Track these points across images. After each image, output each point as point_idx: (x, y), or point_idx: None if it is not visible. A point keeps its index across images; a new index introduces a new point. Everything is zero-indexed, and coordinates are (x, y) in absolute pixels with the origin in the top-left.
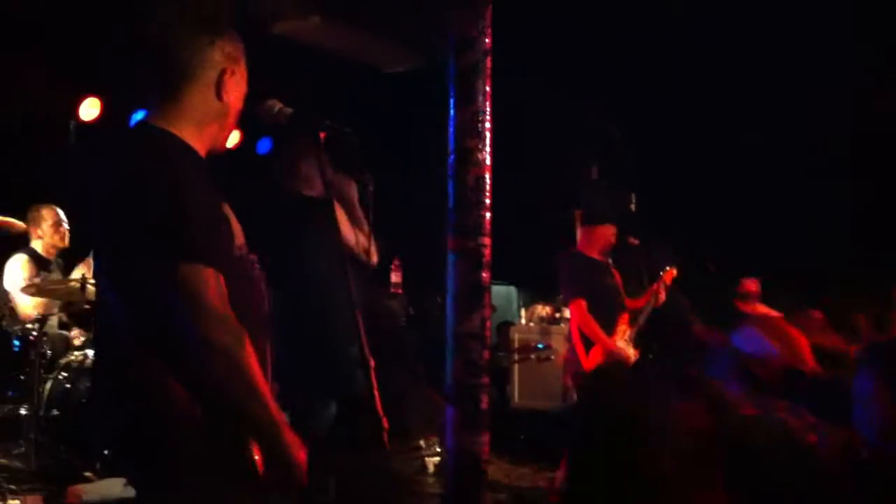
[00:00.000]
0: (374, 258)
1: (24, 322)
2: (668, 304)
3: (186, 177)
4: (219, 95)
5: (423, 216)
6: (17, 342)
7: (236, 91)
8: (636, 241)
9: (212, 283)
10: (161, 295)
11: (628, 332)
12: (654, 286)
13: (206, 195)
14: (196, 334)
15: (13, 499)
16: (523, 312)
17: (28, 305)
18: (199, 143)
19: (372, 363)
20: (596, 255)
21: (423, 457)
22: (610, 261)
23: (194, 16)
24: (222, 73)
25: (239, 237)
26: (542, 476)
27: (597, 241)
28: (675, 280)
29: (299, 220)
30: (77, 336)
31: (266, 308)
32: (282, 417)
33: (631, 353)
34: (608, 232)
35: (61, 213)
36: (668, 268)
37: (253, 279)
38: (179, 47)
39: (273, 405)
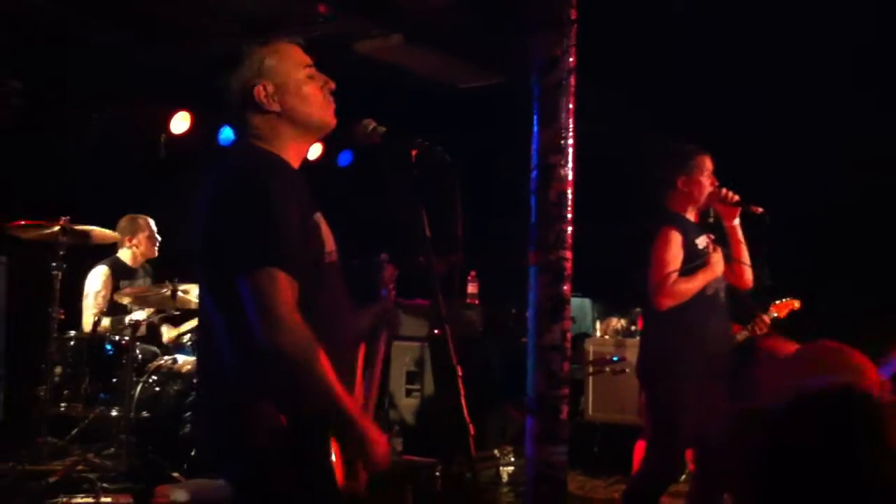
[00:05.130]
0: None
1: (86, 332)
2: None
3: (273, 187)
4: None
5: (499, 229)
6: (109, 347)
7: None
8: (759, 209)
9: (283, 288)
10: (243, 300)
11: None
12: (760, 315)
13: (292, 205)
14: (264, 339)
15: (105, 497)
16: (598, 325)
17: (88, 320)
18: (289, 155)
19: (459, 371)
20: None
21: (497, 466)
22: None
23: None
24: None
25: (329, 245)
26: (616, 488)
27: None
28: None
29: None
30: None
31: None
32: (359, 414)
33: None
34: None
35: (154, 224)
36: (785, 299)
37: (343, 287)
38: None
39: (350, 404)
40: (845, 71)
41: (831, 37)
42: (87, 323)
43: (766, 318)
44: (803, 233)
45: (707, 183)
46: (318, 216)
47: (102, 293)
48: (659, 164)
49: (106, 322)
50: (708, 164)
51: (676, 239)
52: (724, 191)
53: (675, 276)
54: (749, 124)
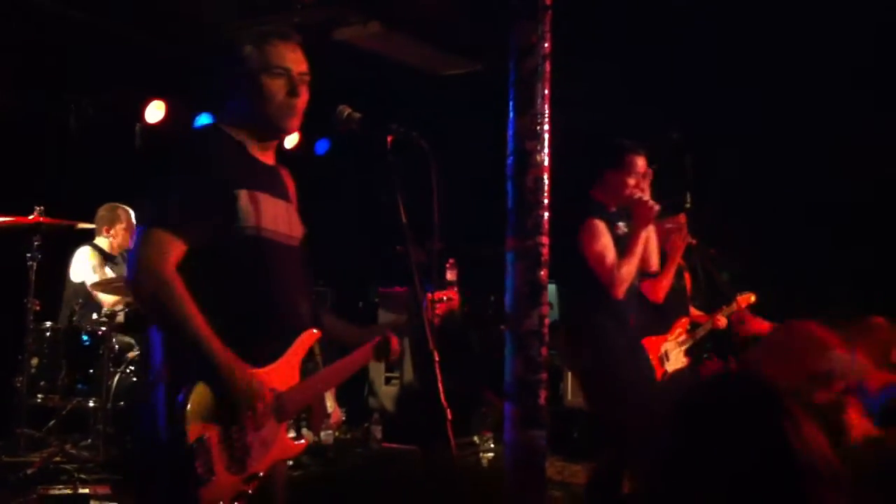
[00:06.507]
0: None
1: (104, 308)
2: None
3: (188, 158)
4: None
5: (478, 216)
6: (86, 337)
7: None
8: (694, 242)
9: (160, 245)
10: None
11: (683, 338)
12: (723, 308)
13: (205, 176)
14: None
15: (83, 487)
16: None
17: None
18: (250, 142)
19: (436, 356)
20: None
21: (477, 452)
22: (683, 263)
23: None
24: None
25: (254, 220)
26: None
27: (666, 233)
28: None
29: None
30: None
31: (302, 287)
32: (221, 352)
33: (682, 359)
34: (677, 221)
35: (133, 215)
36: (744, 293)
37: (289, 266)
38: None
39: (209, 340)
40: (845, 71)
41: (831, 37)
42: (106, 300)
43: (721, 316)
44: (803, 231)
45: (631, 182)
46: (249, 193)
47: (94, 264)
48: (595, 154)
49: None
50: (639, 164)
51: (601, 226)
52: (640, 196)
53: (617, 261)
54: (749, 124)
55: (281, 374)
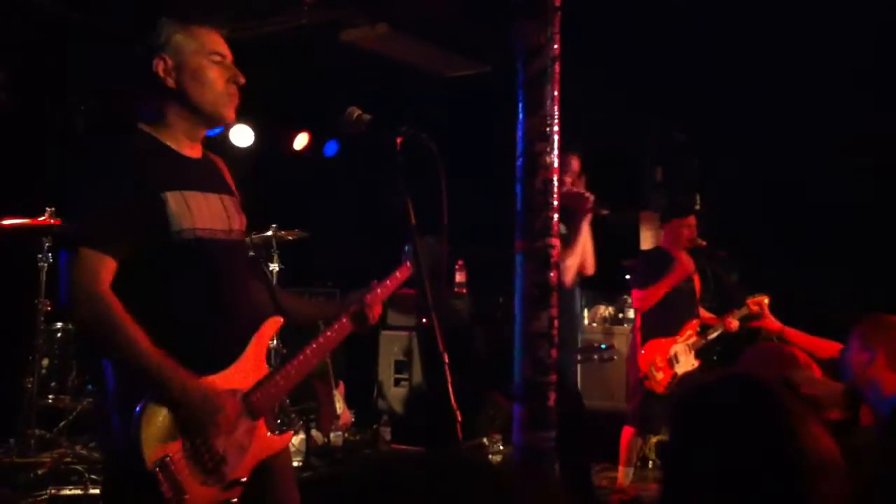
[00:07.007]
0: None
1: None
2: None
3: (101, 171)
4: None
5: (486, 218)
6: None
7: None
8: (703, 243)
9: (88, 265)
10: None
11: (693, 340)
12: (734, 311)
13: (121, 186)
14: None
15: (93, 488)
16: (586, 313)
17: None
18: (177, 137)
19: (446, 358)
20: (677, 254)
21: (486, 455)
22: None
23: None
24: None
25: (187, 223)
26: (604, 475)
27: (676, 235)
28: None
29: None
30: None
31: (252, 280)
32: (176, 376)
33: (692, 362)
34: (688, 223)
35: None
36: (755, 295)
37: (206, 262)
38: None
39: (163, 368)
40: (845, 71)
41: (831, 37)
42: None
43: (733, 319)
44: (803, 231)
45: (568, 181)
46: (177, 194)
47: None
48: None
49: None
50: (573, 164)
51: None
52: (575, 189)
53: (562, 251)
54: (749, 124)
55: (243, 372)
